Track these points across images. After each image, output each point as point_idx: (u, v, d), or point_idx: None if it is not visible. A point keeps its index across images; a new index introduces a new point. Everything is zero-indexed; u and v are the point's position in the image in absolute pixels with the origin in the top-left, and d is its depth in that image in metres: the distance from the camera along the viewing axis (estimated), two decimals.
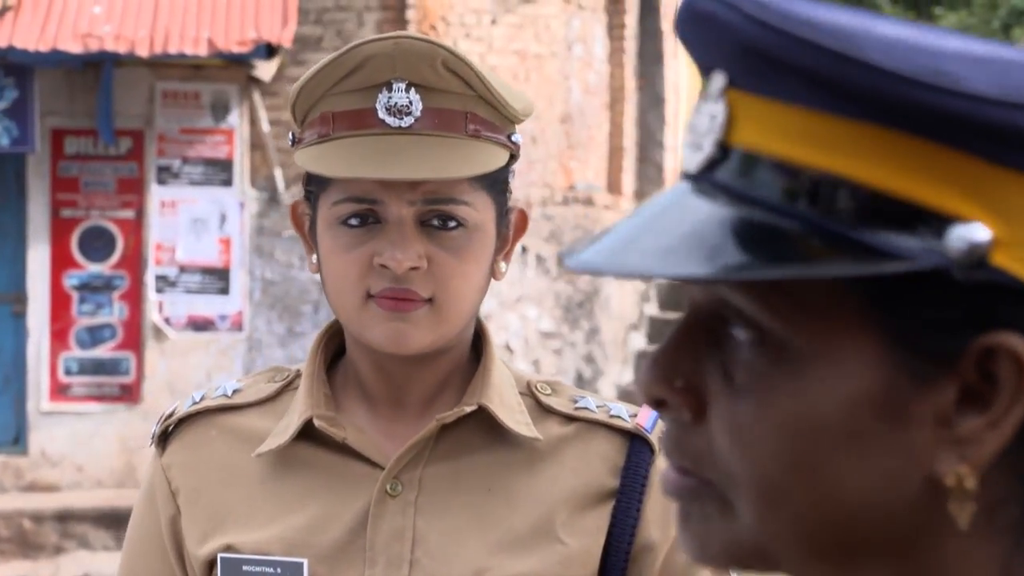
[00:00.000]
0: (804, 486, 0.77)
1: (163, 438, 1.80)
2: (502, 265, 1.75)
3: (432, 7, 10.66)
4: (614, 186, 12.48)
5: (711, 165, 0.78)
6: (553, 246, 11.61)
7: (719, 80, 0.79)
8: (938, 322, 0.75)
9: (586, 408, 1.77)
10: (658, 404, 0.81)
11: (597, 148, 12.32)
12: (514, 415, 1.73)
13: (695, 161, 0.79)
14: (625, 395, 11.90)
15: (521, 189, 11.34)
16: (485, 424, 1.73)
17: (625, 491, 1.73)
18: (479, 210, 1.68)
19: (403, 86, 1.65)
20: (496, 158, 1.69)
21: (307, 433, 1.72)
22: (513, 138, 1.73)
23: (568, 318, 11.73)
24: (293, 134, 1.74)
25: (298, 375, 1.79)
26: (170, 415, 1.80)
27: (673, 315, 12.85)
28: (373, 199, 1.65)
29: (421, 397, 1.74)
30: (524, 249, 11.36)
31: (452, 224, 1.67)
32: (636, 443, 1.76)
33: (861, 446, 0.76)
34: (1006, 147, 0.72)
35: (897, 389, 0.75)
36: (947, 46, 0.74)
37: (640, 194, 13.04)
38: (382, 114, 1.65)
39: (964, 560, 0.77)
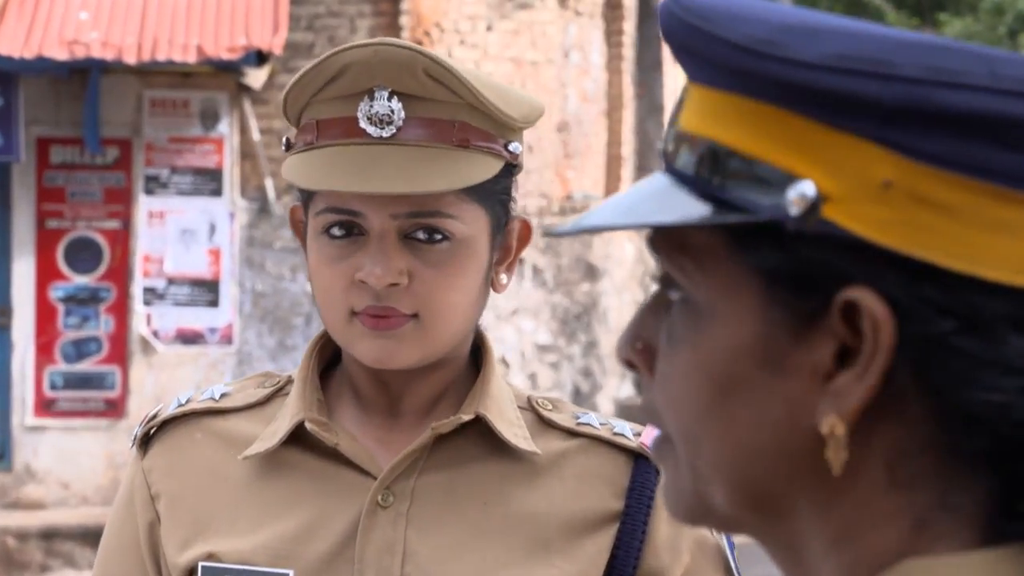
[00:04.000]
0: (707, 434, 0.86)
1: (145, 441, 1.76)
2: (503, 277, 1.72)
3: (426, 13, 10.61)
4: (612, 195, 12.39)
5: (676, 147, 0.88)
6: (550, 257, 11.57)
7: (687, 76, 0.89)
8: (798, 278, 0.83)
9: (588, 424, 1.73)
10: (628, 365, 0.91)
11: (595, 157, 12.28)
12: (512, 428, 1.70)
13: (663, 145, 0.91)
14: (623, 409, 11.82)
15: (517, 199, 11.26)
16: (483, 435, 1.70)
17: (630, 513, 1.70)
18: (468, 223, 1.65)
19: (386, 94, 1.63)
20: (485, 169, 1.65)
21: (297, 438, 1.69)
22: (510, 147, 1.69)
23: (565, 331, 11.69)
24: (287, 139, 1.72)
25: (289, 381, 1.76)
26: (153, 417, 1.77)
27: None
28: (354, 211, 1.63)
29: (417, 407, 1.72)
30: (520, 260, 11.29)
31: (438, 237, 1.64)
32: (641, 463, 1.72)
33: (749, 396, 0.84)
34: (830, 109, 0.81)
35: (775, 342, 0.83)
36: (784, 18, 0.83)
37: None
38: (363, 123, 1.63)
39: (866, 510, 0.83)
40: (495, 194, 1.68)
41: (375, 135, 1.62)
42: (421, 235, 1.63)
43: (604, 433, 1.73)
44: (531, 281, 11.45)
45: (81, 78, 10.15)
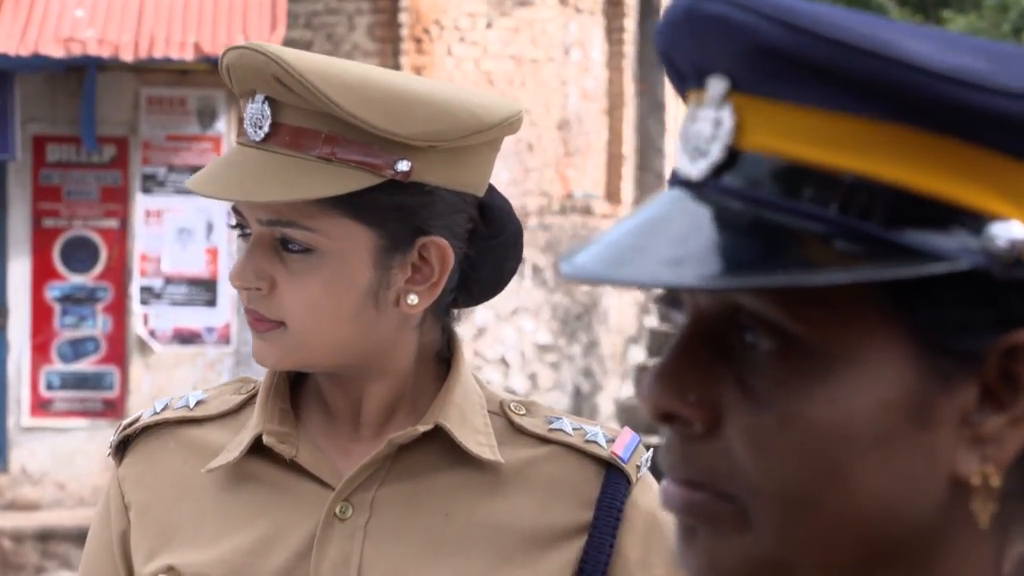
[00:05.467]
0: (831, 494, 0.78)
1: (121, 448, 1.77)
2: (412, 297, 1.65)
3: (425, 10, 10.57)
4: (613, 195, 12.42)
5: (718, 171, 0.79)
6: (550, 257, 11.58)
7: (719, 85, 0.79)
8: (965, 322, 0.77)
9: (561, 430, 1.71)
10: (667, 418, 0.81)
11: (595, 155, 12.27)
12: (476, 436, 1.67)
13: (700, 168, 0.80)
14: (624, 410, 11.79)
15: (517, 198, 11.25)
16: (446, 445, 1.67)
17: (598, 525, 1.67)
18: (334, 238, 1.62)
19: (261, 97, 1.64)
20: (342, 184, 1.60)
21: (261, 449, 1.69)
22: (398, 165, 1.61)
23: (566, 331, 11.68)
24: None
25: None
26: (129, 425, 1.78)
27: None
28: (239, 212, 1.66)
29: (377, 414, 1.69)
30: (522, 260, 11.29)
31: (296, 248, 1.63)
32: (612, 473, 1.69)
33: (889, 450, 0.78)
34: None
35: (924, 391, 0.77)
36: (966, 43, 0.77)
37: (640, 203, 12.92)
38: (246, 123, 1.64)
39: (963, 560, 0.79)
40: (383, 211, 1.62)
41: (252, 137, 1.64)
42: (287, 244, 1.63)
43: (576, 440, 1.69)
44: (531, 280, 11.43)
45: (77, 76, 10.14)
